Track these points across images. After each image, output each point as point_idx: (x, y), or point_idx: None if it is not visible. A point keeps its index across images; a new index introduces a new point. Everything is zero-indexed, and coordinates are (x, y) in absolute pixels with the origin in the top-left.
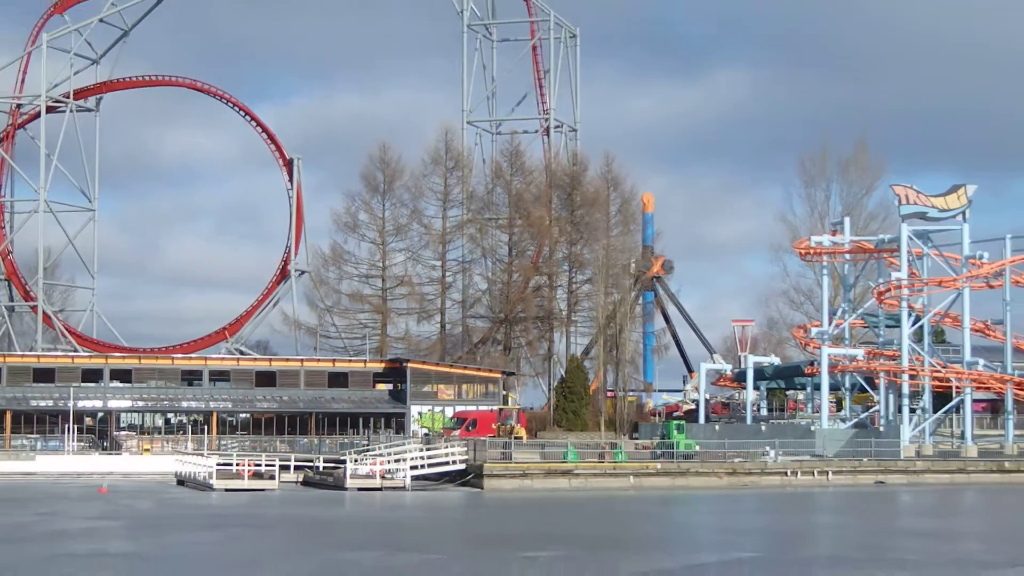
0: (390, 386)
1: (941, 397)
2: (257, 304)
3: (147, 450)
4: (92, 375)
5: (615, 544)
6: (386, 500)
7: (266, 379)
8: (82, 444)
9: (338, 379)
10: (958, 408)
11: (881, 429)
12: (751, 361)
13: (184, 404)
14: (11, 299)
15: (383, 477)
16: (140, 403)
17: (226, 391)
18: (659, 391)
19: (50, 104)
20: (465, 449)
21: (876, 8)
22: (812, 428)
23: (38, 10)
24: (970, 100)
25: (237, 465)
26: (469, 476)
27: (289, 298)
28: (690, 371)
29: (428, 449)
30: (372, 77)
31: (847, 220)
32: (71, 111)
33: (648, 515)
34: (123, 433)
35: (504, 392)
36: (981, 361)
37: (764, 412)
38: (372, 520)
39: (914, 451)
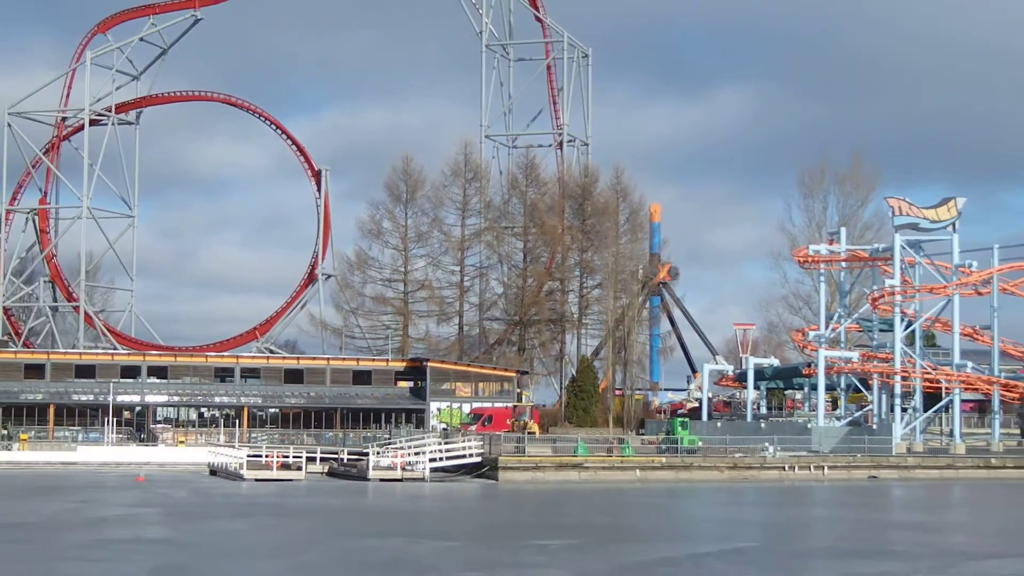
0: (411, 384)
1: (931, 397)
2: (286, 306)
3: (182, 442)
4: (130, 372)
5: (622, 534)
6: (406, 490)
7: (294, 376)
8: (120, 436)
9: (362, 377)
10: (947, 408)
11: (874, 427)
12: (752, 362)
13: (217, 399)
14: (55, 300)
15: (404, 469)
16: (175, 398)
17: (256, 387)
18: (664, 390)
19: (93, 117)
20: (481, 443)
21: (870, 27)
22: (809, 426)
23: (82, 29)
24: (959, 120)
25: (266, 457)
26: (485, 468)
27: (316, 300)
28: (694, 371)
29: (446, 443)
30: (396, 93)
31: (843, 230)
32: (113, 124)
33: (653, 506)
34: (159, 426)
35: (518, 390)
36: (970, 364)
37: (764, 410)
38: (393, 509)
39: (905, 448)
